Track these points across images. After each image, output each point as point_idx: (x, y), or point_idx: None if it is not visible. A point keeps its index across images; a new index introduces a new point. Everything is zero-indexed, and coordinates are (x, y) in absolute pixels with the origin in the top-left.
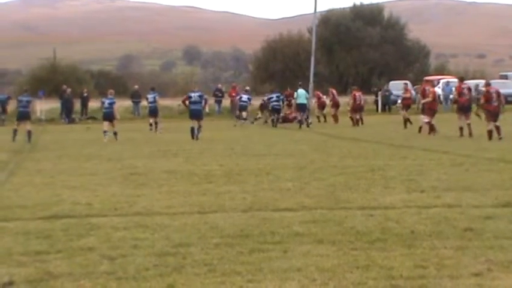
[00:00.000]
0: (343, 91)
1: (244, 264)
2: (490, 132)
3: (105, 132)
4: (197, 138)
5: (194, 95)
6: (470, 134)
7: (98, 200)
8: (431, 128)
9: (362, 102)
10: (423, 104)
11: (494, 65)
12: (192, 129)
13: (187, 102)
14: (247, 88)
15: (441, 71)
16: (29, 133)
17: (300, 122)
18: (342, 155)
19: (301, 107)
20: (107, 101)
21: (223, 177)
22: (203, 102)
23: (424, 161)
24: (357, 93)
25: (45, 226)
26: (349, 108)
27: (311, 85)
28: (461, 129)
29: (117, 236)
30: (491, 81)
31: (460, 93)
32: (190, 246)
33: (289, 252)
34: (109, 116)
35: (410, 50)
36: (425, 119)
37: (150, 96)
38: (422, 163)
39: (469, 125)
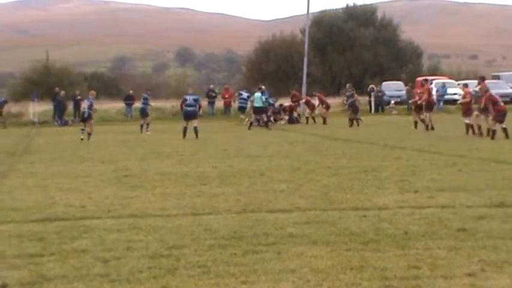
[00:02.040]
0: (336, 92)
1: (238, 265)
2: (494, 132)
3: (88, 134)
4: (197, 137)
5: (189, 98)
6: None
7: (92, 202)
8: (470, 128)
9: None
10: (461, 104)
11: (487, 65)
12: (185, 129)
13: (183, 106)
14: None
15: (434, 71)
16: None
17: (266, 123)
18: (336, 156)
19: (258, 110)
20: (86, 102)
21: (217, 178)
22: (197, 106)
23: (418, 162)
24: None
25: (38, 229)
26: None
27: (304, 86)
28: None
29: (110, 238)
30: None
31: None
32: (183, 248)
33: (283, 254)
34: (85, 117)
35: (403, 51)
36: (466, 120)
37: (142, 98)
38: (415, 164)
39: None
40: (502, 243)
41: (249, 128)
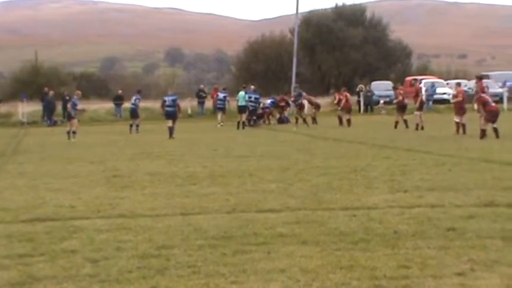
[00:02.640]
0: (325, 92)
1: (227, 265)
2: (484, 132)
3: (73, 132)
4: (172, 137)
5: (168, 99)
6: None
7: (81, 203)
8: (460, 128)
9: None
10: (454, 103)
11: (476, 65)
12: (170, 128)
13: (164, 107)
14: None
15: (423, 71)
16: None
17: (247, 123)
18: (325, 156)
19: (241, 109)
20: (71, 102)
21: (207, 178)
22: (176, 106)
23: (407, 161)
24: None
25: (28, 229)
26: (339, 108)
27: (293, 86)
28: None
29: (100, 238)
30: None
31: (483, 91)
32: (173, 248)
33: (273, 253)
34: (69, 116)
35: (393, 51)
36: (456, 119)
37: (133, 98)
38: (405, 163)
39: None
40: (491, 242)
41: (243, 127)
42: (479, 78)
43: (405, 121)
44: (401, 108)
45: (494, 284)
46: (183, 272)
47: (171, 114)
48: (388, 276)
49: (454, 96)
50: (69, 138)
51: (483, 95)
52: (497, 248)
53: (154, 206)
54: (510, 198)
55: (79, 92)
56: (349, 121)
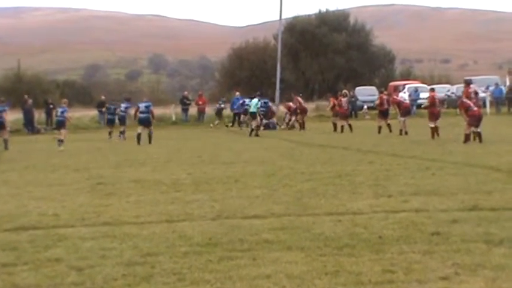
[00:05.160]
0: (309, 98)
1: (213, 272)
2: (467, 136)
3: (60, 141)
4: (150, 143)
5: (141, 106)
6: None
7: (65, 211)
8: (435, 132)
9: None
10: (425, 108)
11: (459, 69)
12: (139, 135)
13: (138, 113)
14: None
15: (407, 76)
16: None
17: (252, 130)
18: (310, 162)
19: (252, 116)
20: (59, 110)
21: (191, 185)
22: (149, 112)
23: (391, 166)
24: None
25: (11, 238)
26: (332, 113)
27: (277, 92)
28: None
29: (84, 246)
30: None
31: (468, 97)
32: (158, 255)
33: (258, 260)
34: (60, 124)
35: (376, 56)
36: (430, 124)
37: (123, 106)
38: (389, 168)
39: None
40: (475, 246)
41: (250, 135)
42: (467, 83)
43: (389, 126)
44: (383, 113)
45: None
46: (169, 279)
47: (144, 120)
48: (374, 281)
49: (428, 101)
50: (59, 146)
51: (465, 100)
52: (481, 252)
53: (139, 213)
54: (494, 202)
55: (66, 100)
56: (350, 126)
